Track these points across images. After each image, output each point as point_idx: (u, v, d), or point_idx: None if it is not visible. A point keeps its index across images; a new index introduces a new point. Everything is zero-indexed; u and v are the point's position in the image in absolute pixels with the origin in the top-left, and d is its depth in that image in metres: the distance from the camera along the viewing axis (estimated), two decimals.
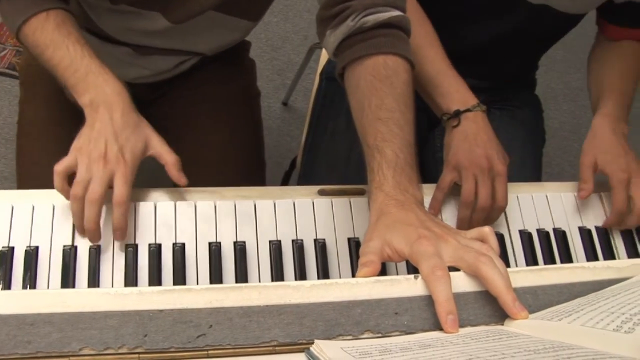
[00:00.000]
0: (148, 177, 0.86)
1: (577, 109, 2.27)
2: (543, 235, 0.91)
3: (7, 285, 0.75)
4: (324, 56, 1.35)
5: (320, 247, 0.82)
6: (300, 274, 0.81)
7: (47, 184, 0.77)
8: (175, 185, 0.83)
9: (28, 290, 0.73)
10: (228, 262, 0.80)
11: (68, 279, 0.76)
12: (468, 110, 0.92)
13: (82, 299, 0.52)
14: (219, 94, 1.13)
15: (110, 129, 0.78)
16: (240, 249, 0.80)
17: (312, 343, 0.52)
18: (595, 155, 0.95)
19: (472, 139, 0.90)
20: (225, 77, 1.15)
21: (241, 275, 0.79)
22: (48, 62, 0.82)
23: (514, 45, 1.10)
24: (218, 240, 0.81)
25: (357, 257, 0.69)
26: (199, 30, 0.96)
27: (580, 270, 0.62)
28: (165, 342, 0.51)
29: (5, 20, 0.84)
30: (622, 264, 0.63)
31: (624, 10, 1.04)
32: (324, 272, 0.81)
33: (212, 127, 1.10)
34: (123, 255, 0.79)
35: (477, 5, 1.04)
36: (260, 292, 0.54)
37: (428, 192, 0.90)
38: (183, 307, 0.52)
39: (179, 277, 0.78)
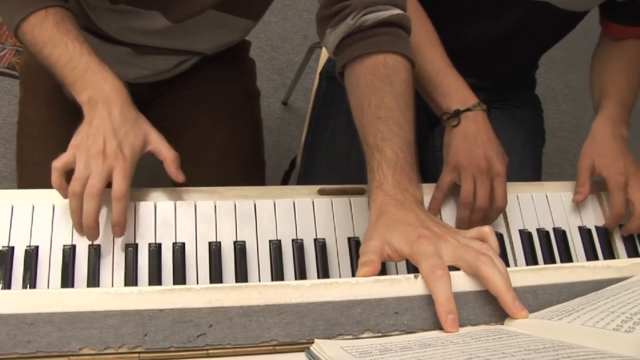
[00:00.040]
0: (147, 175, 0.86)
1: (577, 108, 2.27)
2: (543, 234, 0.91)
3: (7, 285, 0.75)
4: (323, 55, 1.35)
5: (320, 246, 0.82)
6: (300, 274, 0.81)
7: (47, 183, 0.77)
8: (173, 183, 0.83)
9: (28, 290, 0.73)
10: (228, 262, 0.80)
11: (68, 279, 0.76)
12: (468, 109, 0.92)
13: (82, 299, 0.52)
14: (219, 93, 1.13)
15: (109, 125, 0.78)
16: (240, 249, 0.80)
17: (312, 342, 0.52)
18: (593, 159, 0.96)
19: (472, 139, 0.90)
20: (225, 76, 1.15)
21: (241, 275, 0.80)
22: (46, 59, 0.82)
23: (514, 43, 1.10)
24: (218, 240, 0.81)
25: (357, 256, 0.69)
26: (198, 29, 0.96)
27: (580, 269, 0.62)
28: (165, 341, 0.51)
29: (4, 18, 0.84)
30: (622, 263, 0.63)
31: (626, 9, 1.04)
32: (324, 272, 0.81)
33: (211, 126, 1.10)
34: (123, 254, 0.79)
35: (477, 5, 1.04)
36: (260, 291, 0.54)
37: (428, 192, 0.90)
38: (183, 306, 0.52)
39: (179, 277, 0.78)
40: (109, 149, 0.76)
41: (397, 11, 0.82)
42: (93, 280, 0.77)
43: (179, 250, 0.79)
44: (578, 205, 0.95)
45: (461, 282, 0.58)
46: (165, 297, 0.52)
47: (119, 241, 0.79)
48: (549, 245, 0.90)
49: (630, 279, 0.61)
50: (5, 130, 1.76)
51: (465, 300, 0.57)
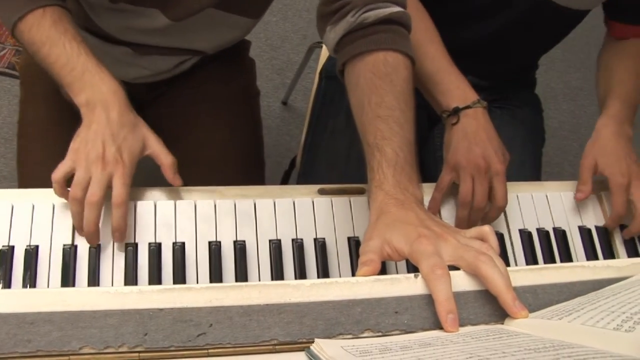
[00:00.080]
0: (146, 176, 0.86)
1: (576, 108, 2.27)
2: (543, 234, 0.91)
3: (7, 284, 0.75)
4: (323, 55, 1.35)
5: (320, 246, 0.82)
6: (300, 273, 0.81)
7: (48, 183, 0.77)
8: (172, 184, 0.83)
9: (28, 289, 0.73)
10: (228, 261, 0.80)
11: (68, 278, 0.76)
12: (468, 107, 0.92)
13: (82, 298, 0.52)
14: (219, 93, 1.13)
15: (108, 130, 0.77)
16: (240, 248, 0.80)
17: (313, 342, 0.52)
18: (595, 158, 0.95)
19: (472, 138, 0.90)
20: (225, 76, 1.15)
21: (241, 275, 0.79)
22: (44, 60, 0.81)
23: (514, 41, 1.10)
24: (218, 240, 0.81)
25: (357, 256, 0.69)
26: (198, 27, 0.96)
27: (580, 269, 0.62)
28: (166, 341, 0.51)
29: (1, 17, 0.83)
30: (622, 263, 0.63)
31: (630, 7, 1.04)
32: (323, 271, 0.81)
33: (211, 126, 1.10)
34: (123, 254, 0.79)
35: (478, 4, 1.04)
36: (261, 291, 0.54)
37: (428, 191, 0.90)
38: (183, 306, 0.52)
39: (179, 276, 0.78)
40: (108, 154, 0.76)
41: (397, 8, 0.82)
42: (93, 279, 0.77)
43: (179, 250, 0.79)
44: (578, 205, 0.95)
45: (461, 281, 0.58)
46: (165, 296, 0.52)
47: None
48: (549, 245, 0.90)
49: (630, 279, 0.61)
50: (5, 130, 1.76)
51: (465, 299, 0.57)
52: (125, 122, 0.79)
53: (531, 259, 0.89)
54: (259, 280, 0.80)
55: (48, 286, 0.76)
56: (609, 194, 0.94)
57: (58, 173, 0.76)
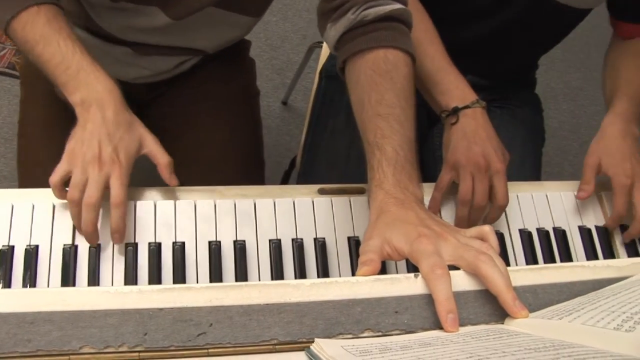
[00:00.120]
0: (146, 176, 0.86)
1: (576, 108, 2.27)
2: (543, 234, 0.91)
3: (7, 284, 0.75)
4: (323, 54, 1.35)
5: (320, 246, 0.82)
6: (300, 273, 0.81)
7: (48, 183, 0.77)
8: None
9: (28, 289, 0.73)
10: (228, 261, 0.80)
11: (68, 278, 0.76)
12: (467, 107, 0.92)
13: (82, 298, 0.52)
14: (219, 92, 1.13)
15: (104, 129, 0.76)
16: (240, 248, 0.80)
17: (313, 342, 0.52)
18: (600, 157, 0.95)
19: (471, 137, 0.90)
20: (225, 76, 1.15)
21: (241, 274, 0.79)
22: (38, 58, 0.80)
23: (514, 39, 1.10)
24: (218, 239, 0.81)
25: (357, 255, 0.69)
26: (199, 26, 0.96)
27: (580, 269, 0.62)
28: (166, 340, 0.51)
29: None
30: (622, 262, 0.63)
31: (634, 7, 1.04)
32: (323, 271, 0.81)
33: (211, 126, 1.10)
34: (123, 254, 0.79)
35: (478, 3, 1.04)
36: (261, 290, 0.54)
37: (427, 191, 0.90)
38: (183, 305, 0.52)
39: (179, 276, 0.78)
40: (104, 155, 0.75)
41: (397, 6, 0.82)
42: (93, 279, 0.77)
43: (179, 250, 0.79)
44: (578, 204, 0.95)
45: (461, 281, 0.58)
46: (165, 296, 0.52)
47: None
48: (549, 245, 0.90)
49: (630, 279, 0.61)
50: (5, 130, 1.76)
51: (465, 299, 0.57)
52: (121, 122, 0.78)
53: (531, 259, 0.89)
54: (259, 280, 0.80)
55: (48, 286, 0.76)
56: (610, 194, 0.94)
57: (55, 176, 0.76)
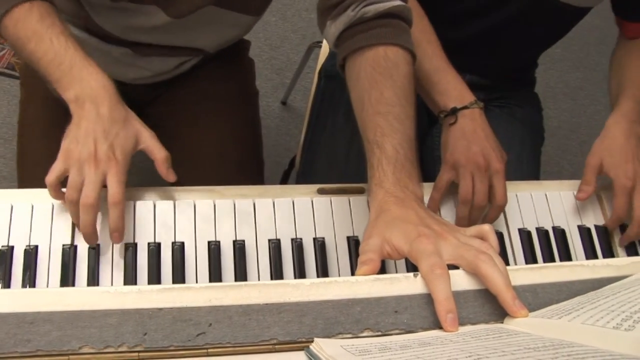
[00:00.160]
0: (147, 177, 0.86)
1: (576, 107, 2.27)
2: (542, 233, 0.91)
3: (7, 285, 0.75)
4: (322, 54, 1.35)
5: (320, 245, 0.82)
6: (300, 273, 0.81)
7: None
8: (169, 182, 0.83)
9: (27, 289, 0.73)
10: (227, 261, 0.80)
11: (67, 278, 0.76)
12: (465, 107, 0.92)
13: (81, 298, 0.52)
14: (218, 92, 1.13)
15: (99, 126, 0.75)
16: (239, 248, 0.80)
17: (312, 341, 0.52)
18: (602, 157, 0.94)
19: (470, 137, 0.90)
20: (224, 75, 1.15)
21: (240, 274, 0.79)
22: (31, 55, 0.78)
23: (514, 38, 1.10)
24: (217, 239, 0.81)
25: (357, 255, 0.69)
26: (199, 25, 0.95)
27: (579, 268, 0.62)
28: (165, 340, 0.50)
29: None
30: (622, 262, 0.63)
31: (639, 6, 1.04)
32: (323, 271, 0.81)
33: (210, 125, 1.10)
34: (122, 254, 0.79)
35: (476, 2, 1.04)
36: (260, 290, 0.54)
37: (426, 191, 0.90)
38: (182, 305, 0.52)
39: (178, 276, 0.78)
40: (100, 153, 0.74)
41: (397, 2, 0.82)
42: (92, 279, 0.77)
43: (178, 250, 0.79)
44: (577, 204, 0.95)
45: (461, 280, 0.58)
46: (164, 296, 0.52)
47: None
48: (549, 244, 0.90)
49: (630, 278, 0.61)
50: (5, 130, 1.76)
51: (464, 299, 0.57)
52: (116, 118, 0.77)
53: (530, 258, 0.89)
54: (259, 279, 0.80)
55: (47, 286, 0.76)
56: (610, 194, 0.94)
57: (51, 176, 0.75)
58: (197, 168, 1.04)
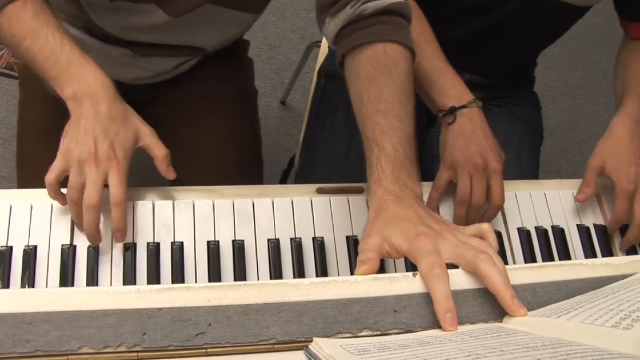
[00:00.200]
0: (147, 177, 0.86)
1: (575, 107, 2.27)
2: (541, 233, 0.91)
3: (6, 285, 0.75)
4: (322, 54, 1.35)
5: (319, 245, 0.82)
6: (299, 272, 0.81)
7: None
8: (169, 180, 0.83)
9: (27, 290, 0.73)
10: (227, 261, 0.80)
11: (67, 278, 0.76)
12: (464, 106, 0.92)
13: (81, 298, 0.52)
14: (218, 92, 1.13)
15: (98, 125, 0.74)
16: (239, 248, 0.80)
17: (311, 341, 0.52)
18: (604, 159, 0.93)
19: (468, 136, 0.90)
20: (223, 76, 1.14)
21: (240, 274, 0.79)
22: (26, 53, 0.77)
23: (513, 37, 1.09)
24: (217, 239, 0.81)
25: (356, 255, 0.69)
26: (198, 24, 0.95)
27: (579, 267, 0.62)
28: (165, 340, 0.50)
29: None
30: (621, 261, 0.63)
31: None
32: (322, 271, 0.81)
33: (210, 125, 1.10)
34: (122, 254, 0.79)
35: (475, 1, 1.04)
36: (259, 290, 0.54)
37: (425, 190, 0.90)
38: (182, 305, 0.52)
39: (178, 276, 0.78)
40: (101, 152, 0.74)
41: None
42: (92, 279, 0.77)
43: (178, 250, 0.79)
44: (577, 204, 0.95)
45: (460, 280, 0.58)
46: (164, 296, 0.52)
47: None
48: (548, 244, 0.90)
49: (630, 278, 0.61)
50: (4, 131, 1.76)
51: (464, 298, 0.57)
52: (116, 115, 0.76)
53: (530, 258, 0.89)
54: (258, 279, 0.80)
55: (47, 286, 0.76)
56: (610, 194, 0.94)
57: (51, 175, 0.74)
58: (197, 168, 1.04)
